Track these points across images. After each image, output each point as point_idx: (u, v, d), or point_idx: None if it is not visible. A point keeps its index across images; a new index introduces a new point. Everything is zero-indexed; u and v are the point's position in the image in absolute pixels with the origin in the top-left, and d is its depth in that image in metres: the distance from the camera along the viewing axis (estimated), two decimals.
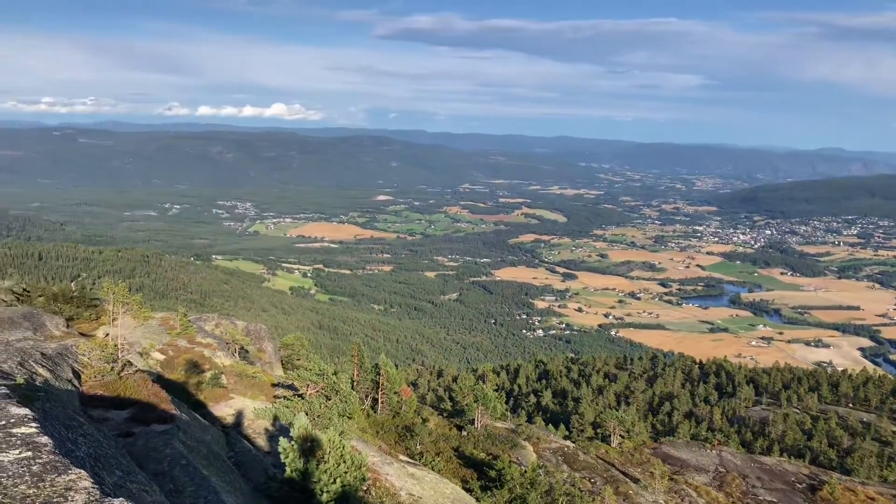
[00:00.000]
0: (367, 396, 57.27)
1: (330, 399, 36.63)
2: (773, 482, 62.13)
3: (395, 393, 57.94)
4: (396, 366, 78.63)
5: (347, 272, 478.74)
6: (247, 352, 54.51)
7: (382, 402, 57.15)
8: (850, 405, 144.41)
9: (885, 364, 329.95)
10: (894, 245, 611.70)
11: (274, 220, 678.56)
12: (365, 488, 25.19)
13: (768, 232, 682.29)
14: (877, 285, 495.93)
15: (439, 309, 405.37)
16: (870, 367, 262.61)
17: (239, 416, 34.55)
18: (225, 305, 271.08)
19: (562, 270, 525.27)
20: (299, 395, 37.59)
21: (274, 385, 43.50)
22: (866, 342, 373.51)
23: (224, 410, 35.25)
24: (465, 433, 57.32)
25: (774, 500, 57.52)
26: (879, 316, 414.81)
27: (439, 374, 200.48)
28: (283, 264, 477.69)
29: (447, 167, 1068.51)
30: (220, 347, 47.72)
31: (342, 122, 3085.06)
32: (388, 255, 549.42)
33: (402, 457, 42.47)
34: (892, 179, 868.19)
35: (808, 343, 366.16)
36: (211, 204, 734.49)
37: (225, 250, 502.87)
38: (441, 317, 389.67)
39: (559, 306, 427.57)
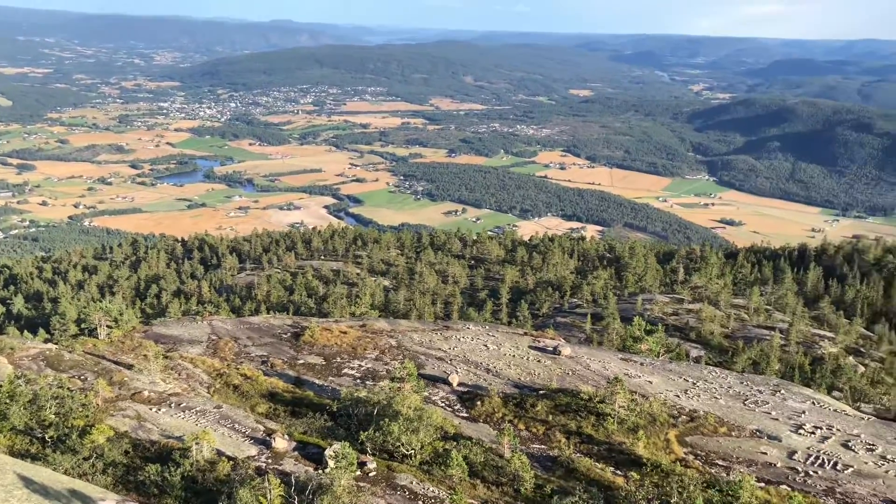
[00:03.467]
0: None
1: None
2: (262, 338, 66.89)
3: None
4: None
5: None
6: None
7: None
8: (323, 257, 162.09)
9: (347, 217, 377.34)
10: (343, 110, 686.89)
11: None
12: None
13: (233, 105, 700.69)
14: (333, 148, 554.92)
15: None
16: (335, 221, 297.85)
17: None
18: None
19: (15, 162, 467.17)
20: None
21: None
22: (330, 200, 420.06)
23: None
24: None
25: (265, 353, 62.12)
26: (338, 175, 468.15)
27: None
28: None
29: None
30: None
31: None
32: None
33: None
34: (337, 49, 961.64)
35: (281, 207, 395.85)
36: None
37: None
38: None
39: (19, 202, 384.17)
